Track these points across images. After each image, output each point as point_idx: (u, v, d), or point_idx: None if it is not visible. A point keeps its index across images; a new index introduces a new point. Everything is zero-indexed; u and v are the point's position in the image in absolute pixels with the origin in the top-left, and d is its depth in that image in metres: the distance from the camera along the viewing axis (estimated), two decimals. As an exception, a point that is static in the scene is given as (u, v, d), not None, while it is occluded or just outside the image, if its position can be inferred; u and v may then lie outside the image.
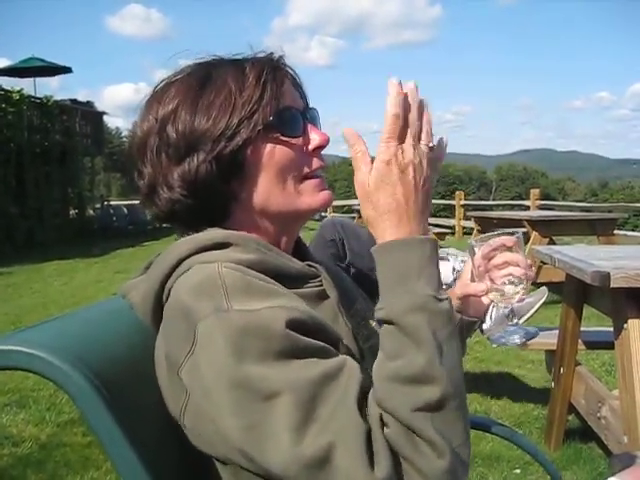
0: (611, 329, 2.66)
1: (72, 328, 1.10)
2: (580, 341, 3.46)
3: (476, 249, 1.27)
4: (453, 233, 18.67)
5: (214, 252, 1.03)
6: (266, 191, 1.09)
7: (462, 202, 19.97)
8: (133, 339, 1.12)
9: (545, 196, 28.88)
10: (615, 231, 8.44)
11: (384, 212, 0.93)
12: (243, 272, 0.98)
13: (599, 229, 7.60)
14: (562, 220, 7.98)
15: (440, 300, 0.89)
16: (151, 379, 1.03)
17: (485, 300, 1.33)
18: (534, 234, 7.38)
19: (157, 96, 1.11)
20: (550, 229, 7.59)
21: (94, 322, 1.17)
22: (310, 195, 1.12)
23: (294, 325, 0.90)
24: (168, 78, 1.13)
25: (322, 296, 1.13)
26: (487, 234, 1.26)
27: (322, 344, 0.92)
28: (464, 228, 18.63)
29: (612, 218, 8.31)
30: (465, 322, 1.36)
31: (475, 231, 9.74)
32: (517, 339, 1.29)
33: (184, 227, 1.12)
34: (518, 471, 3.20)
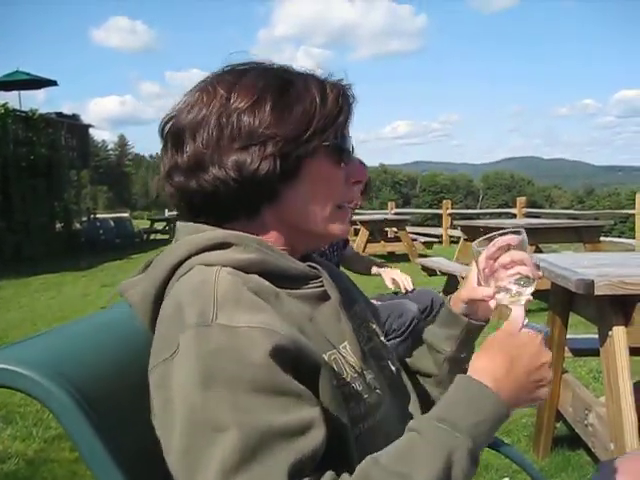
0: (597, 336, 2.67)
1: (56, 344, 1.10)
2: (567, 348, 3.47)
3: (480, 251, 1.25)
4: (440, 242, 18.72)
5: (215, 252, 1.04)
6: (306, 205, 1.11)
7: (449, 211, 20.02)
8: (120, 353, 1.12)
9: (532, 204, 29.03)
10: (601, 238, 8.49)
11: (501, 363, 1.03)
12: (241, 280, 0.99)
13: (585, 236, 7.64)
14: (548, 228, 8.01)
15: (473, 458, 0.93)
16: (139, 393, 1.03)
17: (492, 304, 1.30)
18: (520, 242, 7.39)
19: (229, 79, 1.10)
20: (536, 237, 7.61)
21: (79, 337, 1.18)
22: (340, 224, 1.16)
23: (275, 353, 0.89)
24: (236, 65, 1.14)
25: (323, 297, 1.13)
26: (490, 234, 1.24)
27: (296, 388, 0.91)
28: (451, 237, 18.67)
29: (598, 225, 8.35)
30: (473, 326, 1.35)
31: (462, 240, 9.75)
32: None
33: (208, 213, 1.11)
34: (507, 479, 3.20)
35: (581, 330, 4.48)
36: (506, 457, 1.72)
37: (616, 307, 2.47)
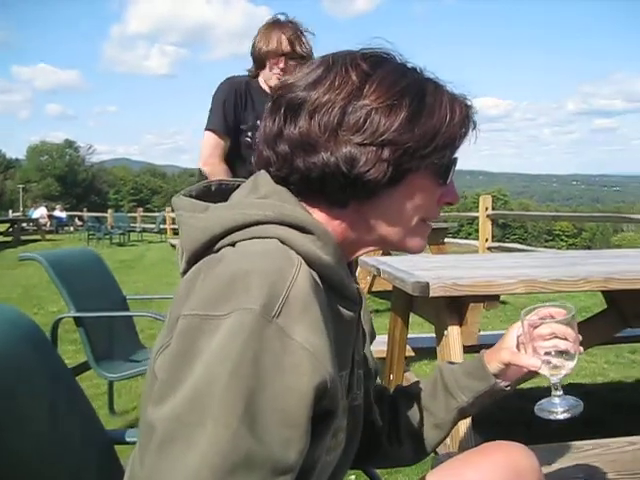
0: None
1: None
2: (410, 347, 3.60)
3: (525, 317, 1.26)
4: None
5: (295, 233, 0.99)
6: (394, 213, 1.08)
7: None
8: None
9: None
10: (446, 239, 8.82)
11: None
12: (315, 290, 0.93)
13: (430, 238, 7.84)
14: (395, 231, 8.18)
15: None
16: None
17: (525, 370, 1.30)
18: (370, 244, 7.55)
19: (363, 67, 1.04)
20: (385, 239, 7.76)
21: None
22: (419, 239, 1.13)
23: (315, 391, 0.86)
24: (369, 50, 1.08)
25: (352, 323, 1.11)
26: (538, 305, 1.27)
27: (307, 425, 0.86)
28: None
29: (442, 228, 8.65)
30: (498, 388, 1.33)
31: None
32: (561, 414, 1.25)
33: (295, 185, 1.06)
34: (353, 477, 3.27)
35: (416, 330, 4.65)
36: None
37: (451, 308, 2.58)
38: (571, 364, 1.23)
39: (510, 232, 73.14)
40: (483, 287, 2.40)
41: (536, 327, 1.24)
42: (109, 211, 31.42)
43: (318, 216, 1.06)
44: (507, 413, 3.91)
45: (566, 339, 1.22)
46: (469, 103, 1.10)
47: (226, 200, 1.09)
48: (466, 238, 20.41)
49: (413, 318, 3.34)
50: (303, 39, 3.34)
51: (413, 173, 1.05)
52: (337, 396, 0.94)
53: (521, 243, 18.40)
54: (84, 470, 1.45)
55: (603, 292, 2.93)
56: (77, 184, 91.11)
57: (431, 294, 2.34)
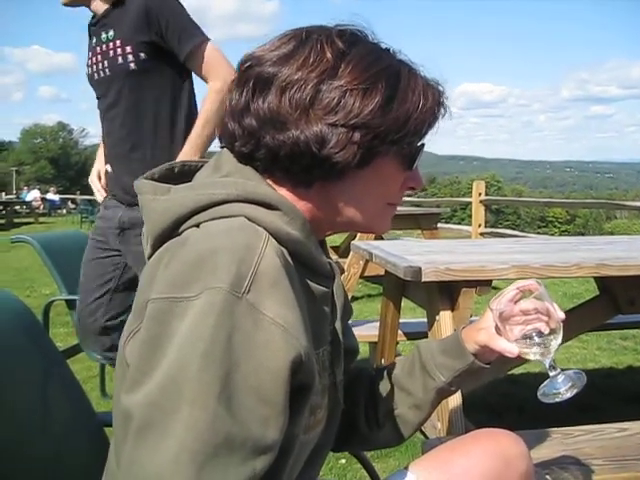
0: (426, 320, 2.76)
1: None
2: (402, 332, 3.59)
3: (500, 300, 1.23)
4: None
5: (262, 210, 0.98)
6: (359, 196, 1.08)
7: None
8: None
9: (377, 191, 29.62)
10: (439, 225, 8.79)
11: None
12: (284, 266, 0.92)
13: (423, 223, 7.85)
14: (388, 215, 8.15)
15: None
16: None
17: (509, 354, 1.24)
18: (362, 229, 7.51)
19: (339, 44, 1.02)
20: (378, 224, 7.71)
21: None
22: (383, 220, 1.13)
23: (290, 365, 0.86)
24: (343, 27, 1.06)
25: (326, 298, 1.10)
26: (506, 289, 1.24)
27: (285, 402, 0.87)
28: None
29: (435, 213, 8.60)
30: (476, 366, 1.29)
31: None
32: (566, 393, 1.20)
33: (260, 162, 1.04)
34: (343, 461, 3.28)
35: (408, 315, 4.65)
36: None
37: (442, 293, 2.56)
38: (557, 341, 1.20)
39: (503, 218, 73.32)
40: (476, 272, 2.38)
41: (516, 301, 1.22)
42: (102, 194, 31.25)
43: (284, 194, 1.04)
44: (498, 398, 3.94)
45: (547, 315, 1.19)
46: (441, 89, 1.09)
47: (190, 182, 1.07)
48: (459, 223, 20.44)
49: (405, 303, 3.33)
50: None
51: (381, 157, 1.04)
52: (313, 370, 0.93)
53: (514, 229, 18.46)
54: (74, 452, 1.45)
55: (595, 278, 2.93)
56: (70, 167, 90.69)
57: (423, 279, 2.33)
